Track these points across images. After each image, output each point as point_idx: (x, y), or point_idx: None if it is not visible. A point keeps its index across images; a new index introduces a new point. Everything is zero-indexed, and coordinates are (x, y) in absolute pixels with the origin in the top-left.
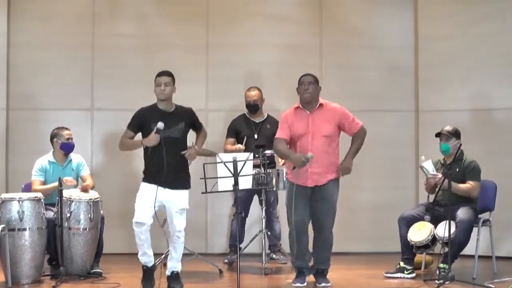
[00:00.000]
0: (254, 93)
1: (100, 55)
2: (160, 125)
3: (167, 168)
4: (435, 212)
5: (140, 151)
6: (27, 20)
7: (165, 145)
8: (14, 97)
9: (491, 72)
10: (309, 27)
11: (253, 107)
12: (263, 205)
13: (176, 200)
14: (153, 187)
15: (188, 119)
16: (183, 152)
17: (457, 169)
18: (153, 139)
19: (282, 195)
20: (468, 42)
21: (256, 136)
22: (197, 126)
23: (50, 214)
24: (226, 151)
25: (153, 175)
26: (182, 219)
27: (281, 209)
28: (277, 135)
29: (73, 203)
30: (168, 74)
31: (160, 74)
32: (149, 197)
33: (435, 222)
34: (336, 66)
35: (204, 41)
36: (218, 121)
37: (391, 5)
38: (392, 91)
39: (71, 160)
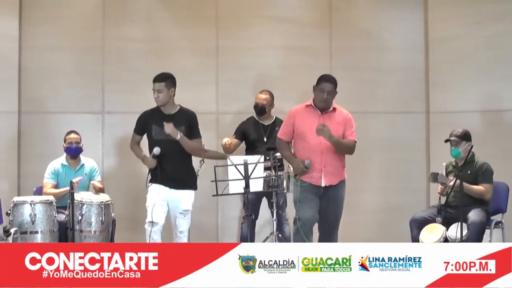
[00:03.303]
0: (264, 97)
1: (110, 59)
2: (156, 150)
3: (171, 170)
4: (447, 214)
5: None
6: (38, 25)
7: (166, 148)
8: (26, 100)
9: (502, 73)
10: (318, 29)
11: (260, 109)
12: (274, 208)
13: (179, 201)
14: (158, 186)
15: (187, 123)
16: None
17: (469, 171)
18: (150, 163)
19: (291, 197)
20: (478, 43)
21: (265, 139)
22: (192, 133)
23: (62, 217)
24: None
25: (158, 176)
26: (185, 220)
27: (290, 211)
28: (280, 134)
29: (84, 206)
30: (160, 79)
31: (153, 81)
32: (158, 196)
33: (446, 224)
34: (346, 68)
35: (213, 44)
36: (229, 124)
37: (401, 6)
38: (403, 93)
39: (83, 164)
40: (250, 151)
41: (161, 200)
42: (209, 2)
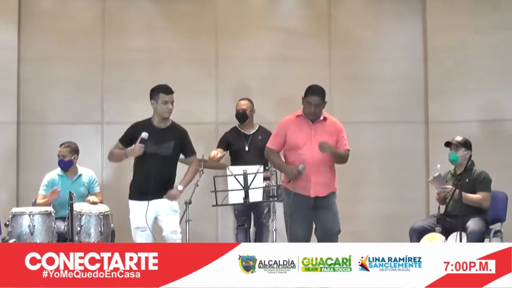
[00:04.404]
0: (243, 103)
1: (110, 69)
2: (145, 135)
3: (155, 184)
4: (446, 223)
5: None
6: (37, 35)
7: (154, 161)
8: (25, 111)
9: (501, 83)
10: (317, 39)
11: (241, 115)
12: (274, 218)
13: (165, 205)
14: (142, 204)
15: (179, 140)
16: (165, 196)
17: (467, 180)
18: (137, 149)
19: (279, 207)
20: (477, 53)
21: (247, 148)
22: (186, 152)
23: (61, 227)
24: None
25: (140, 191)
26: (174, 218)
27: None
28: (269, 144)
29: (83, 217)
30: (173, 91)
31: (168, 92)
32: (143, 218)
33: (446, 233)
34: (345, 78)
35: (213, 54)
36: None
37: (400, 16)
38: (402, 103)
39: (81, 175)
40: (234, 161)
41: (144, 222)
42: (209, 12)
